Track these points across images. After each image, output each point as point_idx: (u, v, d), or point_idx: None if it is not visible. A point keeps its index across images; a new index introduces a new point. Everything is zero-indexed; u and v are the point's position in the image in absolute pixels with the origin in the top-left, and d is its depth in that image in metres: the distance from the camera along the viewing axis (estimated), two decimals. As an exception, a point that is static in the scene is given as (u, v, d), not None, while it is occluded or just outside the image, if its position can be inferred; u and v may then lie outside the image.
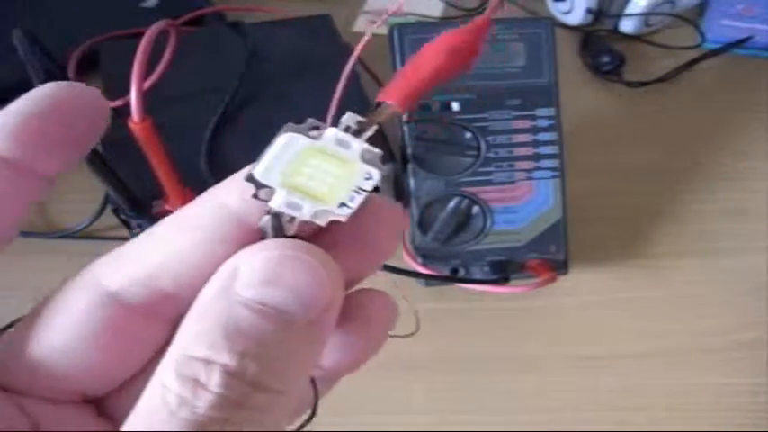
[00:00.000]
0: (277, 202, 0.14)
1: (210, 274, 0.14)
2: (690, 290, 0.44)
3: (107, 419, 0.15)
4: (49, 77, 0.32)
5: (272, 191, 0.14)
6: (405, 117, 0.39)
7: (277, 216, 0.14)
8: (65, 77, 0.37)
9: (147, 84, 0.42)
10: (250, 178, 0.14)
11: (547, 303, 0.43)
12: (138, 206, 0.39)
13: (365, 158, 0.15)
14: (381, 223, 0.16)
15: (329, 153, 0.15)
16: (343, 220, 0.15)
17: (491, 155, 0.39)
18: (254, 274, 0.13)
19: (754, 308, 0.43)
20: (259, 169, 0.14)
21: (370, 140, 0.15)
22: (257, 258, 0.13)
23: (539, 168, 0.39)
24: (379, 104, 0.17)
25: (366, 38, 0.36)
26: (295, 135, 0.14)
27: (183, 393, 0.12)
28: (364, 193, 0.15)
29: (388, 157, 0.42)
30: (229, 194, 0.15)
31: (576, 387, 0.40)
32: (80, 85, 0.14)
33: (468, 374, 0.40)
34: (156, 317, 0.15)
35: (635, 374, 0.40)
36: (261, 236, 0.15)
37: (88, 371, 0.15)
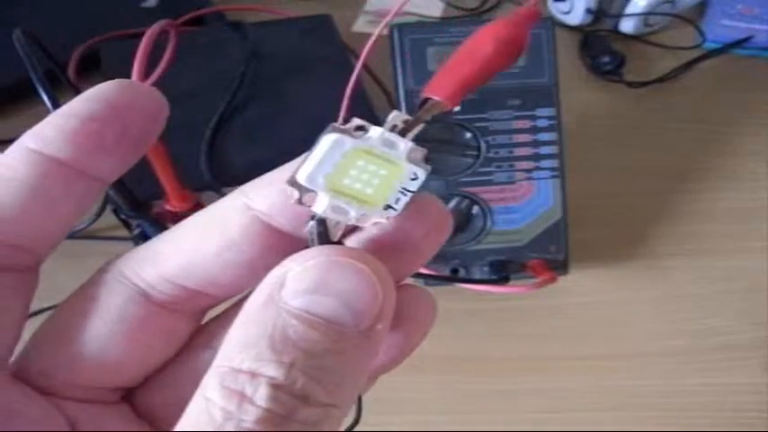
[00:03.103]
0: (322, 207, 0.14)
1: (238, 275, 0.15)
2: (690, 290, 0.44)
3: (143, 419, 0.16)
4: (50, 77, 0.32)
5: (315, 195, 0.14)
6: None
7: (323, 221, 0.14)
8: (65, 77, 0.37)
9: (148, 84, 0.42)
10: (293, 182, 0.14)
11: (547, 303, 0.43)
12: (138, 206, 0.39)
13: (411, 158, 0.14)
14: (426, 224, 0.15)
15: (376, 154, 0.14)
16: (386, 222, 0.14)
17: (491, 155, 0.39)
18: (301, 282, 0.12)
19: (754, 308, 0.43)
20: (303, 173, 0.14)
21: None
22: (305, 266, 0.12)
23: (539, 168, 0.39)
24: (425, 101, 0.16)
25: (372, 39, 0.36)
26: (341, 136, 0.14)
27: (229, 407, 0.11)
28: (410, 194, 0.14)
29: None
30: (256, 199, 0.14)
31: (576, 387, 0.40)
32: (138, 84, 0.14)
33: (468, 374, 0.40)
34: (183, 312, 0.15)
35: (635, 374, 0.40)
36: (294, 237, 0.14)
37: (120, 366, 0.15)
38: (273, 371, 0.11)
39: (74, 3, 0.57)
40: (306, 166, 0.14)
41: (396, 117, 0.14)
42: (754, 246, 0.46)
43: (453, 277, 0.40)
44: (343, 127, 0.14)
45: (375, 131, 0.14)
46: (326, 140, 0.14)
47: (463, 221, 0.39)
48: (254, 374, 0.11)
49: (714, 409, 0.39)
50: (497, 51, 0.16)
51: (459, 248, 0.40)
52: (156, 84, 0.44)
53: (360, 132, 0.14)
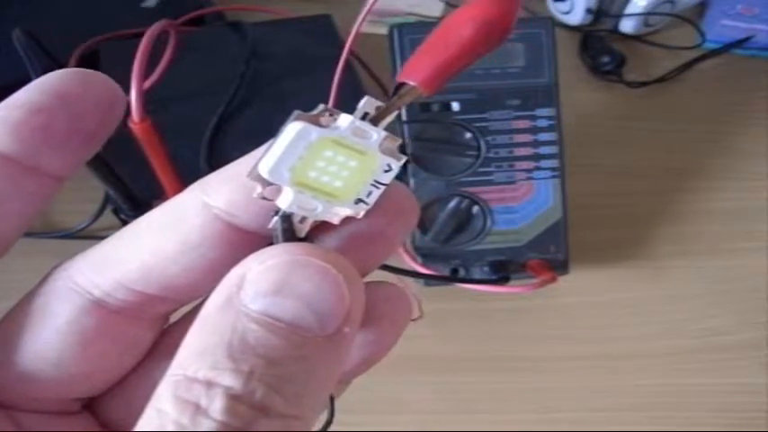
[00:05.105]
0: (287, 202, 0.13)
1: (200, 277, 0.14)
2: (690, 290, 0.44)
3: (108, 429, 0.15)
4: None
5: (279, 188, 0.13)
6: (404, 116, 0.39)
7: (287, 217, 0.13)
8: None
9: (147, 84, 0.42)
10: (255, 176, 0.13)
11: (547, 303, 0.43)
12: (138, 206, 0.39)
13: (384, 148, 0.13)
14: (395, 215, 0.14)
15: (345, 144, 0.13)
16: (358, 217, 0.13)
17: (491, 155, 0.39)
18: (262, 283, 0.11)
19: (754, 308, 0.43)
20: (266, 165, 0.13)
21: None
22: (266, 265, 0.12)
23: (539, 168, 0.39)
24: (400, 86, 0.14)
25: (353, 32, 0.36)
26: (307, 125, 0.13)
27: (182, 420, 0.10)
28: (383, 187, 0.13)
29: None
30: (215, 194, 0.13)
31: (576, 387, 0.40)
32: (89, 72, 0.13)
33: (468, 374, 0.40)
34: (142, 318, 0.15)
35: (635, 375, 0.40)
36: (258, 234, 0.13)
37: (76, 378, 0.14)
38: (231, 380, 0.11)
39: (74, 3, 0.57)
40: (268, 158, 0.13)
41: (367, 104, 0.13)
42: (754, 246, 0.46)
43: (453, 277, 0.40)
44: (309, 114, 0.13)
45: (345, 119, 0.13)
46: (291, 129, 0.13)
47: (463, 221, 0.39)
48: (210, 384, 0.11)
49: (714, 409, 0.39)
50: (476, 33, 0.14)
51: (459, 248, 0.40)
52: (156, 83, 0.44)
53: (328, 120, 0.13)
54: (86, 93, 0.13)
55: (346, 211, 0.13)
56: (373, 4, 0.35)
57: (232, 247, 0.13)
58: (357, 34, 0.36)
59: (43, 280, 0.14)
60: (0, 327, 0.14)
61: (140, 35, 0.34)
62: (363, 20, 0.36)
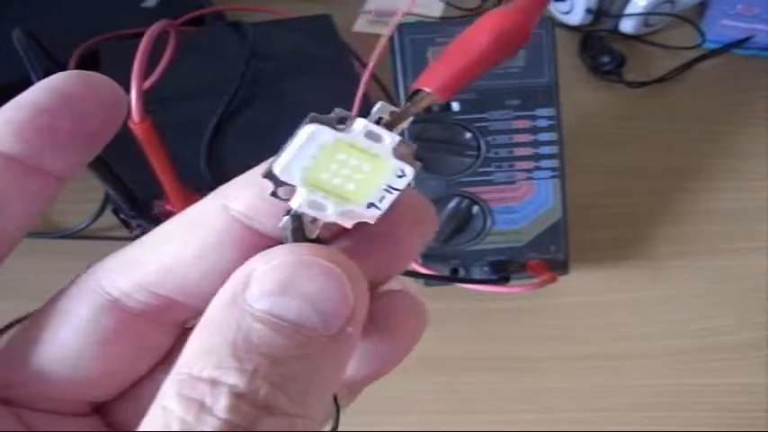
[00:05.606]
0: (298, 202, 0.13)
1: (219, 282, 0.13)
2: (690, 290, 0.44)
3: (114, 428, 0.15)
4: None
5: (292, 189, 0.13)
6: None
7: (298, 217, 0.13)
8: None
9: (147, 84, 0.42)
10: (269, 174, 0.13)
11: (547, 303, 0.43)
12: (138, 206, 0.39)
13: (398, 153, 0.13)
14: (411, 223, 0.14)
15: (358, 148, 0.13)
16: (371, 221, 0.13)
17: (491, 155, 0.39)
18: (267, 282, 0.12)
19: (754, 308, 0.43)
20: (279, 164, 0.13)
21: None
22: (271, 265, 0.12)
23: (539, 168, 0.39)
24: (415, 93, 0.15)
25: (382, 41, 0.36)
26: (321, 127, 0.13)
27: (187, 418, 0.10)
28: (396, 193, 0.13)
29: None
30: (236, 198, 0.14)
31: (576, 387, 0.40)
32: (92, 74, 0.13)
33: (468, 374, 0.40)
34: (162, 323, 0.15)
35: (635, 375, 0.40)
36: (279, 240, 0.13)
37: (93, 379, 0.14)
38: (235, 379, 0.11)
39: (74, 3, 0.57)
40: (282, 158, 0.13)
41: (381, 108, 0.13)
42: (754, 246, 0.46)
43: (453, 277, 0.40)
44: (324, 117, 0.13)
45: (359, 123, 0.13)
46: (305, 131, 0.13)
47: (463, 221, 0.39)
48: (214, 383, 0.11)
49: (714, 409, 0.39)
50: (494, 43, 0.15)
51: (459, 248, 0.40)
52: (156, 83, 0.44)
53: (342, 124, 0.13)
54: (89, 94, 0.13)
55: (359, 215, 0.13)
56: (408, 8, 0.35)
57: (253, 252, 0.14)
58: (374, 43, 0.37)
59: (70, 282, 0.14)
60: (25, 327, 0.14)
61: (140, 35, 0.34)
62: (392, 28, 0.36)
